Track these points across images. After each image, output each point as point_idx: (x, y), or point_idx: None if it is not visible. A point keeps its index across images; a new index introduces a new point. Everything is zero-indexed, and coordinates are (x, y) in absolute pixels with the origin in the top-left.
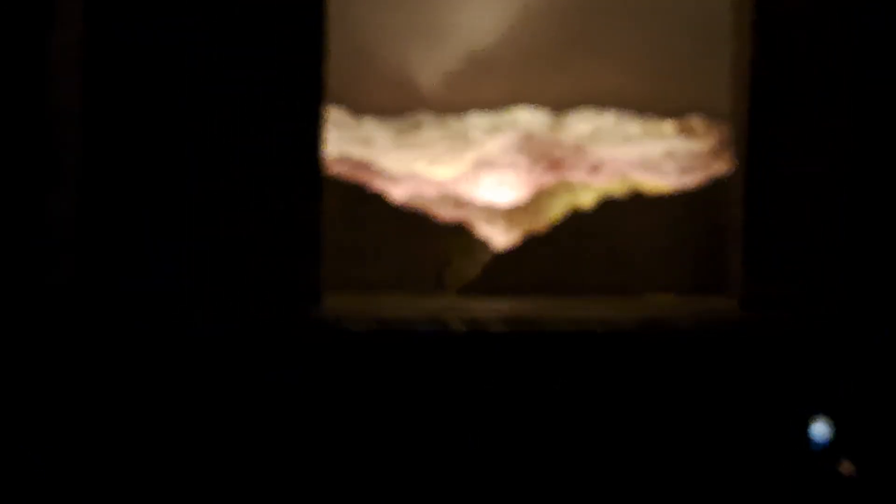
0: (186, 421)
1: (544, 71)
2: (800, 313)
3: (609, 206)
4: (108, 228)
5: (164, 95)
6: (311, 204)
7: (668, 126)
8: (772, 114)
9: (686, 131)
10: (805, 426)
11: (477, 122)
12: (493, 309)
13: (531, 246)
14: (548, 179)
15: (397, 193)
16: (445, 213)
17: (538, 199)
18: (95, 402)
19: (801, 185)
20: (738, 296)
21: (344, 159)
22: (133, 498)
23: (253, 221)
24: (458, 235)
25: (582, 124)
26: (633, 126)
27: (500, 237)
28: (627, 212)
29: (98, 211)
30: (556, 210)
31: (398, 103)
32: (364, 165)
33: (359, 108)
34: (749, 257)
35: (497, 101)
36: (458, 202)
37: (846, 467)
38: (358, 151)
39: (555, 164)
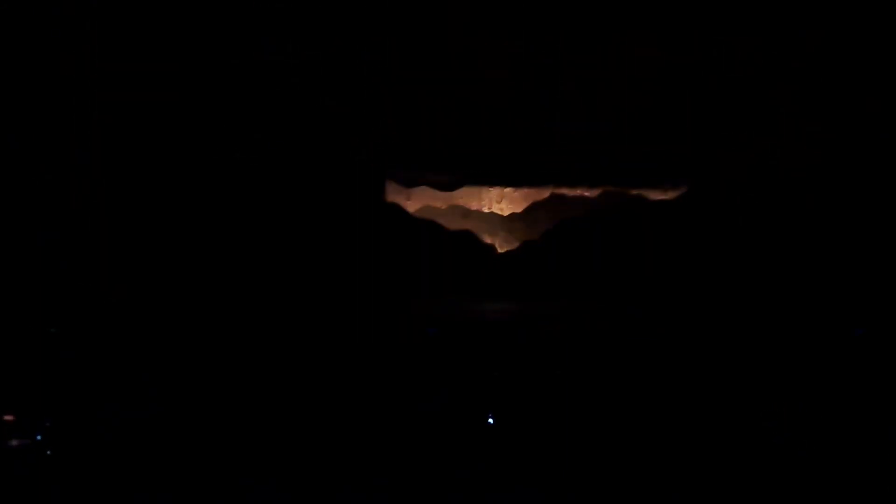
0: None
1: None
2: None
3: (598, 217)
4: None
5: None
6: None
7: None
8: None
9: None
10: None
11: None
12: (494, 309)
13: (529, 252)
14: (543, 193)
15: (410, 206)
16: (453, 224)
17: (535, 212)
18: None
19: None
20: None
21: None
22: None
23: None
24: (464, 243)
25: None
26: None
27: (501, 245)
28: (615, 222)
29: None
30: (551, 221)
31: None
32: None
33: None
34: None
35: None
36: (465, 214)
37: None
38: None
39: None
